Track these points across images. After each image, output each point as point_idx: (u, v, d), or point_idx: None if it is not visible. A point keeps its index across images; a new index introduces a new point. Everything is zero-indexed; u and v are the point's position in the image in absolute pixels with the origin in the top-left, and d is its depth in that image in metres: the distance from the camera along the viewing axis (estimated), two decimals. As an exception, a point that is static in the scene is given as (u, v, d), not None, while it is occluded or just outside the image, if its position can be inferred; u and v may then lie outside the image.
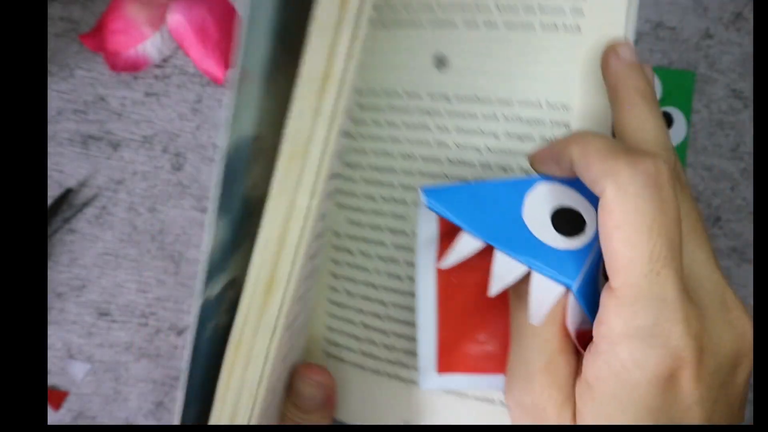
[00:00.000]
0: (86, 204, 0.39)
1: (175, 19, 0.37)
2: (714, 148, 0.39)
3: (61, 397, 0.38)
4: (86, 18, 0.40)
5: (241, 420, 0.19)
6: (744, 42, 0.39)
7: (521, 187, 0.20)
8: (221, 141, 0.18)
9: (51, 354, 0.38)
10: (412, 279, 0.26)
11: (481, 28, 0.25)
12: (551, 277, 0.19)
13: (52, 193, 0.39)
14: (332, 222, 0.28)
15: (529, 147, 0.24)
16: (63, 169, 0.39)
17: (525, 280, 0.20)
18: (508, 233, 0.20)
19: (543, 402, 0.18)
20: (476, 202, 0.20)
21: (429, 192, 0.20)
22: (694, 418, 0.17)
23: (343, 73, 0.17)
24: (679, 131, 0.39)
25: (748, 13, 0.39)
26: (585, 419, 0.18)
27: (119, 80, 0.40)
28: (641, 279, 0.17)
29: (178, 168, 0.39)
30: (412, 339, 0.26)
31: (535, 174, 0.21)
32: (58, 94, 0.39)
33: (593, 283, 0.20)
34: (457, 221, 0.20)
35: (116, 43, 0.37)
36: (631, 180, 0.17)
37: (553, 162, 0.20)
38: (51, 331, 0.38)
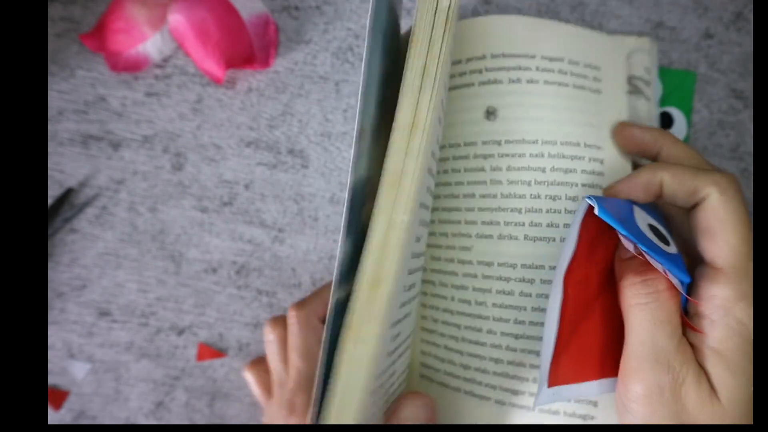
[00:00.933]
0: (87, 204, 0.39)
1: (176, 19, 0.37)
2: (714, 148, 0.39)
3: (61, 396, 0.38)
4: (87, 18, 0.40)
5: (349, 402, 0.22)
6: (744, 42, 0.39)
7: (628, 205, 0.26)
8: (349, 181, 0.23)
9: (52, 354, 0.38)
10: (479, 303, 0.30)
11: (523, 84, 0.30)
12: (676, 275, 0.23)
13: (53, 192, 0.39)
14: (423, 259, 0.32)
15: (573, 178, 0.29)
16: (63, 168, 0.39)
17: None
18: (644, 239, 0.23)
19: (683, 376, 0.23)
20: (613, 213, 0.24)
21: (596, 200, 0.24)
22: None
23: (424, 122, 0.23)
24: (679, 131, 0.39)
25: (748, 13, 0.39)
26: (722, 379, 0.22)
27: (120, 80, 0.40)
28: (744, 258, 0.23)
29: (178, 168, 0.39)
30: (484, 358, 0.30)
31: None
32: (59, 94, 0.39)
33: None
34: (617, 226, 0.23)
35: (117, 43, 0.37)
36: (729, 186, 0.23)
37: (641, 190, 0.26)
38: (52, 330, 0.38)
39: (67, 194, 0.39)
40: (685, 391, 0.23)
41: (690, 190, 0.24)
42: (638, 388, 0.23)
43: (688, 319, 0.24)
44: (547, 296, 0.28)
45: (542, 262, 0.28)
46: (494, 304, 0.29)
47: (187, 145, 0.40)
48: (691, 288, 0.25)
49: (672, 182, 0.25)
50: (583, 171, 0.29)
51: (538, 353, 0.28)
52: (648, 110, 0.37)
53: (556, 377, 0.25)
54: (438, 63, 0.24)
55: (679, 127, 0.39)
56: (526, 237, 0.29)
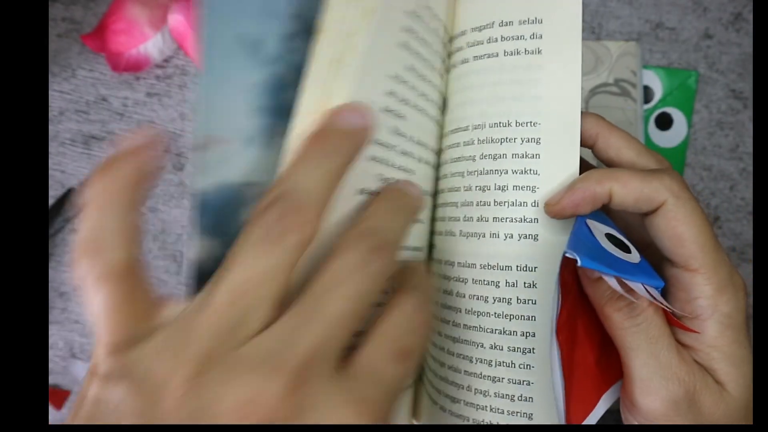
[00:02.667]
0: (88, 204, 0.39)
1: (176, 19, 0.37)
2: (713, 148, 0.39)
3: (63, 396, 0.38)
4: (88, 19, 0.40)
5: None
6: (744, 42, 0.39)
7: (584, 226, 0.24)
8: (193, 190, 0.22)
9: (53, 353, 0.38)
10: (434, 303, 0.29)
11: (458, 67, 0.27)
12: (652, 284, 0.22)
13: (54, 192, 0.39)
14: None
15: (502, 165, 0.26)
16: (65, 168, 0.39)
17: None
18: (616, 264, 0.22)
19: (692, 383, 0.23)
20: (587, 249, 0.22)
21: (579, 254, 0.21)
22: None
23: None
24: (679, 131, 0.39)
25: (748, 14, 0.39)
26: (727, 374, 0.23)
27: (121, 80, 0.40)
28: (714, 251, 0.23)
29: (179, 168, 0.40)
30: (435, 360, 0.29)
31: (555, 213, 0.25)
32: (60, 95, 0.39)
33: None
34: (604, 270, 0.21)
35: (118, 44, 0.38)
36: (680, 188, 0.23)
37: (589, 204, 0.24)
38: (53, 330, 0.39)
39: (69, 194, 0.39)
40: (698, 397, 0.23)
41: (643, 199, 0.24)
42: (653, 406, 0.23)
43: (680, 322, 0.24)
44: (478, 298, 0.26)
45: (474, 260, 0.27)
46: (442, 305, 0.28)
47: (188, 145, 0.40)
48: (666, 291, 0.24)
49: (622, 193, 0.24)
50: (514, 155, 0.26)
51: (471, 359, 0.27)
52: (635, 111, 0.38)
53: (574, 416, 0.24)
54: (355, 51, 0.23)
55: (679, 127, 0.39)
56: (461, 233, 0.27)
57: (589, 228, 0.24)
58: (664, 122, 0.39)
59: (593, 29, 0.39)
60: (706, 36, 0.39)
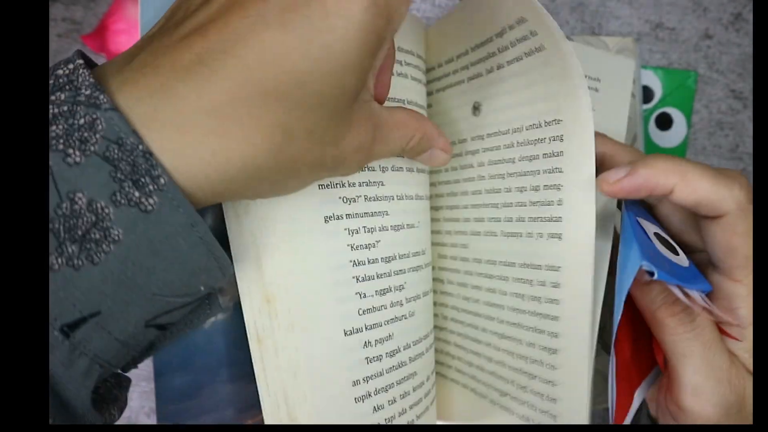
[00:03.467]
0: (88, 204, 0.39)
1: (177, 19, 0.37)
2: (713, 149, 0.39)
3: (63, 396, 0.38)
4: (88, 19, 0.40)
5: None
6: (744, 42, 0.39)
7: (639, 228, 0.23)
8: None
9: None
10: (475, 300, 0.30)
11: (494, 71, 0.28)
12: (700, 288, 0.22)
13: (55, 193, 0.39)
14: (432, 258, 0.32)
15: (536, 166, 0.26)
16: (65, 169, 0.39)
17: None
18: (675, 270, 0.22)
19: (742, 386, 0.23)
20: (652, 257, 0.21)
21: (657, 269, 0.21)
22: None
23: None
24: (679, 131, 0.39)
25: (748, 14, 0.39)
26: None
27: (121, 81, 0.40)
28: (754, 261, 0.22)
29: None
30: (481, 356, 0.30)
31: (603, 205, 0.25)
32: (61, 95, 0.40)
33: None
34: (673, 281, 0.21)
35: (118, 44, 0.38)
36: (747, 200, 0.22)
37: (645, 192, 0.23)
38: (53, 330, 0.39)
39: (69, 194, 0.39)
40: (747, 401, 0.23)
41: (705, 205, 0.22)
42: (705, 412, 0.23)
43: (724, 328, 0.24)
44: (517, 295, 0.28)
45: (513, 259, 0.28)
46: (486, 302, 0.29)
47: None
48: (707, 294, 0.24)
49: (685, 192, 0.22)
50: (544, 155, 0.26)
51: (513, 355, 0.28)
52: (634, 107, 0.38)
53: (617, 419, 0.25)
54: None
55: (679, 127, 0.39)
56: (502, 233, 0.28)
57: (643, 229, 0.23)
58: (664, 122, 0.39)
59: (593, 29, 0.39)
60: (706, 36, 0.39)
